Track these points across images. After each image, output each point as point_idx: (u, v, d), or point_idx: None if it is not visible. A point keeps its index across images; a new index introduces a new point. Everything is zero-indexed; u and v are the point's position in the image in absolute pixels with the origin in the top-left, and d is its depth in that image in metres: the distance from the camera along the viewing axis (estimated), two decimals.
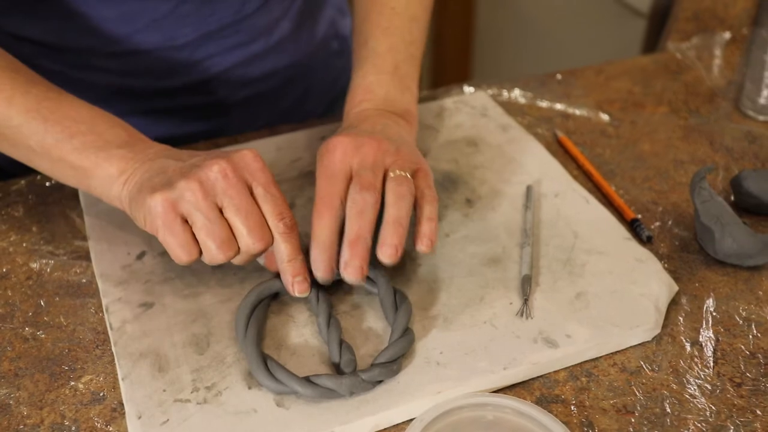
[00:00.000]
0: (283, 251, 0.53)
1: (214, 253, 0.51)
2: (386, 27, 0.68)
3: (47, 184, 0.69)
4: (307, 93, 0.86)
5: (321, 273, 0.53)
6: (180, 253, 0.51)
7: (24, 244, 0.62)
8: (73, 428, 0.49)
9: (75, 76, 0.72)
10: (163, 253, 0.60)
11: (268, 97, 0.83)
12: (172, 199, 0.51)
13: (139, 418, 0.48)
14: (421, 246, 0.54)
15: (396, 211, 0.54)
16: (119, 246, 0.61)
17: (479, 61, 2.10)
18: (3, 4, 0.69)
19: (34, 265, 0.60)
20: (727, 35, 0.92)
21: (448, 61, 2.08)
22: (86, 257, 0.61)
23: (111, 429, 0.49)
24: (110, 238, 0.62)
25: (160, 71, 0.75)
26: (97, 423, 0.49)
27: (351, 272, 0.52)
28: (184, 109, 0.79)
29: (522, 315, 0.55)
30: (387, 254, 0.52)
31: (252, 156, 0.54)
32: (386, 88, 0.65)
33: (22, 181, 0.69)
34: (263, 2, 0.77)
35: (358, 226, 0.53)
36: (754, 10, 0.99)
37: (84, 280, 0.59)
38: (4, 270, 0.60)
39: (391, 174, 0.56)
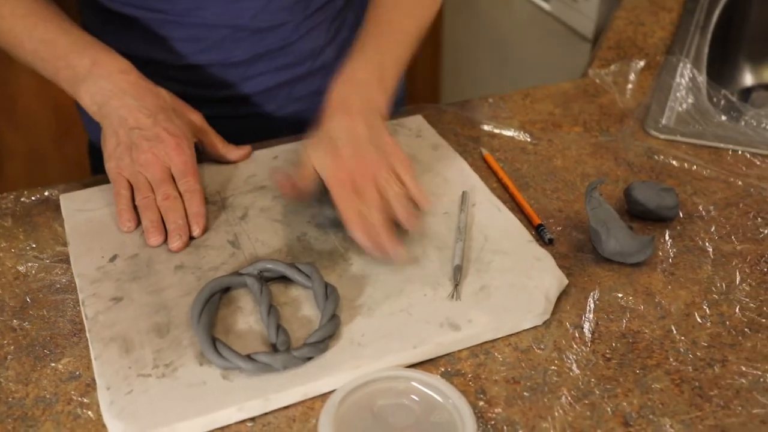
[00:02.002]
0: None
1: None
2: (390, 21, 0.81)
3: (32, 198, 0.79)
4: None
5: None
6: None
7: (12, 250, 0.72)
8: (54, 400, 0.59)
9: None
10: (133, 257, 0.70)
11: (313, 113, 0.94)
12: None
13: (108, 389, 0.58)
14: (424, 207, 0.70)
15: (402, 210, 0.68)
16: (94, 250, 0.71)
17: (448, 79, 2.22)
18: (98, 20, 0.85)
19: (21, 268, 0.70)
20: (642, 62, 1.03)
21: (418, 80, 2.20)
22: (66, 261, 0.71)
23: (85, 400, 0.59)
24: (87, 243, 0.72)
25: (217, 83, 0.90)
26: (74, 396, 0.59)
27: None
28: (235, 117, 0.92)
29: (452, 297, 0.65)
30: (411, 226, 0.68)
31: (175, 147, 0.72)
32: (369, 86, 0.75)
33: (11, 196, 0.79)
34: (307, 32, 0.90)
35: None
36: (670, 40, 1.10)
37: (64, 280, 0.69)
38: None
39: (385, 186, 0.68)
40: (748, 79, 1.27)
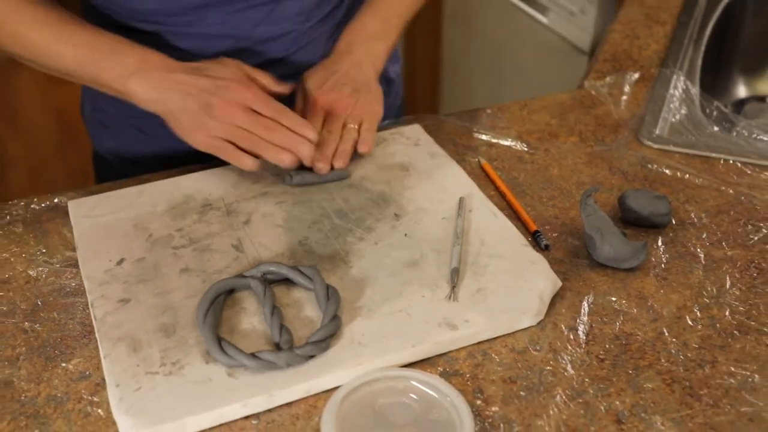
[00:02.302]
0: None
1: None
2: None
3: (42, 205, 0.81)
4: None
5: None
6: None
7: (23, 255, 0.74)
8: (65, 399, 0.61)
9: None
10: (139, 260, 0.72)
11: None
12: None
13: (117, 386, 0.60)
14: (362, 148, 0.83)
15: (344, 153, 0.82)
16: (102, 254, 0.73)
17: (447, 90, 2.25)
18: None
19: (32, 272, 0.72)
20: (637, 74, 1.05)
21: (418, 91, 2.23)
22: (75, 265, 0.73)
23: (95, 399, 0.61)
24: (95, 248, 0.74)
25: None
26: (84, 394, 0.61)
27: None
28: None
29: (450, 299, 0.67)
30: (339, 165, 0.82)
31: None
32: (374, 38, 0.91)
33: (21, 203, 0.81)
34: (306, 43, 0.93)
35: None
36: (664, 52, 1.13)
37: (74, 284, 0.71)
38: (7, 276, 0.72)
39: (346, 125, 0.84)
40: (741, 90, 1.29)
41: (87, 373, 0.63)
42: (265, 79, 0.83)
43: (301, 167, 0.80)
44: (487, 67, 1.98)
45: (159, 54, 0.81)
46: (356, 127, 0.84)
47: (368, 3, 0.94)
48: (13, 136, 3.03)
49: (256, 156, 0.77)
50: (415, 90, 2.21)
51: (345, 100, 0.84)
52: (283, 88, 0.85)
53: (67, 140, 3.11)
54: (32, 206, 0.80)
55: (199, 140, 0.77)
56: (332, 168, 0.82)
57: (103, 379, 0.62)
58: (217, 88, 0.77)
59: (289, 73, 0.94)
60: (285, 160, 0.76)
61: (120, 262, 0.72)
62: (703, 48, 1.14)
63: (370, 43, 0.90)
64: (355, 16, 0.93)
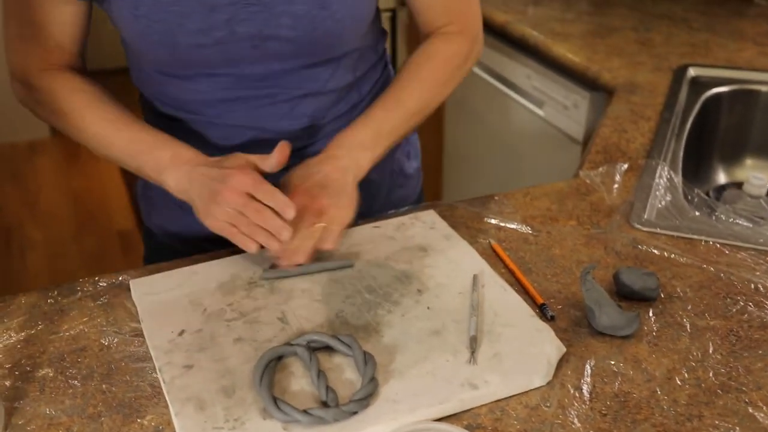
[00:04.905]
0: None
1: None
2: (398, 98, 1.01)
3: (106, 283, 0.92)
4: (367, 214, 1.06)
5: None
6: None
7: (96, 327, 0.85)
8: None
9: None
10: (198, 331, 0.83)
11: None
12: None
13: None
14: (325, 245, 0.89)
15: (304, 248, 0.88)
16: (164, 327, 0.84)
17: (449, 177, 2.39)
18: (150, 117, 1.05)
19: (104, 341, 0.83)
20: (626, 165, 1.18)
21: (423, 178, 2.36)
22: (141, 335, 0.83)
23: None
24: (157, 321, 0.84)
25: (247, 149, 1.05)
26: None
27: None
28: None
29: (470, 362, 0.78)
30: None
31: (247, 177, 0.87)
32: (362, 147, 0.96)
33: (88, 282, 0.92)
34: (323, 137, 1.03)
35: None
36: (649, 145, 1.26)
37: (141, 351, 0.81)
38: (83, 345, 0.82)
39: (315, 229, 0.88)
40: (721, 177, 1.42)
41: (160, 428, 0.72)
42: (266, 162, 0.91)
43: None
44: (486, 155, 2.12)
45: (190, 149, 0.93)
46: (322, 226, 0.88)
47: (364, 113, 1.00)
48: (32, 219, 3.16)
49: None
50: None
51: (320, 201, 0.89)
52: (278, 160, 0.91)
53: (84, 224, 3.23)
54: (100, 283, 0.91)
55: (212, 224, 0.88)
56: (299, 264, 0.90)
57: None
58: (223, 176, 0.87)
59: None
60: (272, 246, 0.85)
61: (181, 333, 0.83)
62: (684, 140, 1.27)
63: (357, 152, 0.95)
64: (350, 123, 0.99)
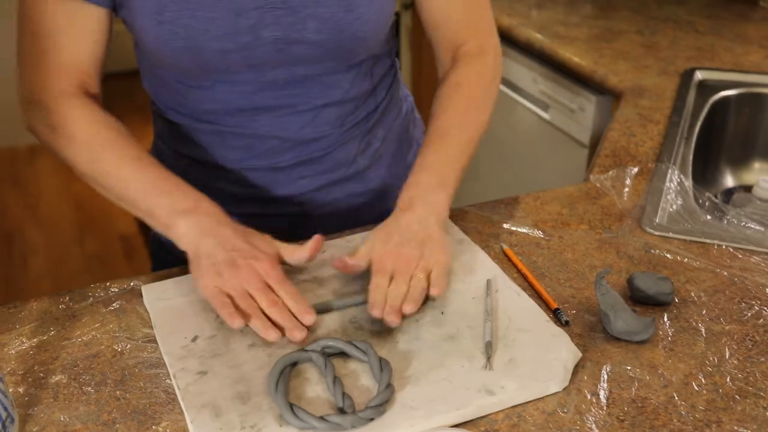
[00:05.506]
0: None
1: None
2: (445, 135, 0.98)
3: (118, 288, 0.91)
4: (381, 216, 1.00)
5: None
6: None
7: (108, 333, 0.84)
8: None
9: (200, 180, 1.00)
10: (211, 337, 0.82)
11: (347, 214, 1.09)
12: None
13: None
14: (434, 291, 0.84)
15: (412, 302, 0.82)
16: (177, 333, 0.83)
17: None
18: (168, 128, 1.05)
19: (117, 347, 0.82)
20: (636, 169, 1.18)
21: None
22: (154, 341, 0.83)
23: None
24: (170, 327, 0.84)
25: (265, 185, 1.05)
26: None
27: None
28: (281, 215, 1.07)
29: (486, 368, 0.77)
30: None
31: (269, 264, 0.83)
32: (432, 190, 0.93)
33: (100, 287, 0.91)
34: (342, 143, 1.05)
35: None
36: (658, 149, 1.26)
37: (154, 357, 0.81)
38: (95, 351, 0.82)
39: (414, 277, 0.84)
40: (729, 180, 1.42)
41: None
42: (295, 256, 0.88)
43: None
44: (493, 158, 2.12)
45: (214, 204, 0.89)
46: (424, 276, 0.85)
47: (419, 161, 0.96)
48: (34, 223, 3.16)
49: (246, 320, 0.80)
50: None
51: (410, 256, 0.85)
52: (310, 255, 0.89)
53: (86, 228, 3.23)
54: (111, 289, 0.91)
55: (207, 285, 0.82)
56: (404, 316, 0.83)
57: None
58: (250, 255, 0.84)
59: (327, 168, 1.07)
60: (270, 336, 0.79)
61: (194, 339, 0.82)
62: (693, 144, 1.27)
63: (429, 196, 0.92)
64: (410, 173, 0.95)
